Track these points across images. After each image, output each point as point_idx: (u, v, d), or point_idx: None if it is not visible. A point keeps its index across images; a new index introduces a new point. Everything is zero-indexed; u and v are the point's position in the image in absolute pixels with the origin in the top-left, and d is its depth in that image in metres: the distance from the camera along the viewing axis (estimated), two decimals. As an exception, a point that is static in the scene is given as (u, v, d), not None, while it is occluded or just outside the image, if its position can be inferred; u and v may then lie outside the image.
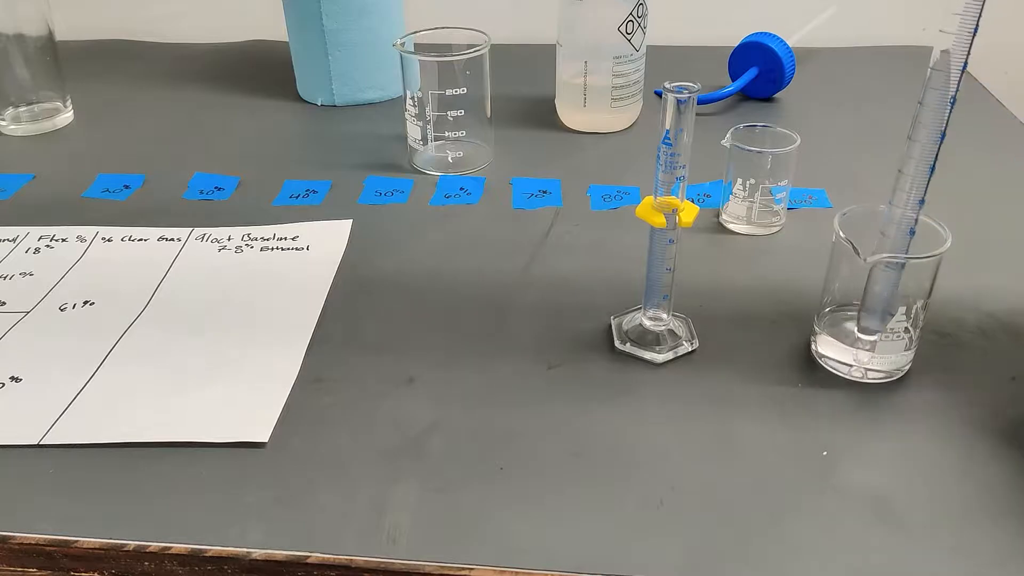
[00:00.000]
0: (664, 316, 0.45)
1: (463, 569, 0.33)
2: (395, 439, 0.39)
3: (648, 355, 0.44)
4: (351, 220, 0.57)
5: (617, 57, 0.66)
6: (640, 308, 0.46)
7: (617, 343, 0.44)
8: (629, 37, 0.66)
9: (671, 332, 0.45)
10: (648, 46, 0.68)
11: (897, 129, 0.73)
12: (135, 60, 0.91)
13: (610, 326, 0.46)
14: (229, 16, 0.97)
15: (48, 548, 0.35)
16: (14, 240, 0.56)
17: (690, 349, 0.44)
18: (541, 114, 0.73)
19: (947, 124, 0.36)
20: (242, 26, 0.95)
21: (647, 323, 0.45)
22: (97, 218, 0.59)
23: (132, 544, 0.34)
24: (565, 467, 0.37)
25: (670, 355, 0.44)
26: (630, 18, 0.65)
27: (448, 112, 0.62)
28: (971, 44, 0.34)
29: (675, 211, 0.41)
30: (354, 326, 0.47)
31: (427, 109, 0.61)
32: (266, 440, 0.39)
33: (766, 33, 0.75)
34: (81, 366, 0.44)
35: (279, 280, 0.51)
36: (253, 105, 0.79)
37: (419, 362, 0.44)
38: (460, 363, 0.44)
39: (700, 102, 0.74)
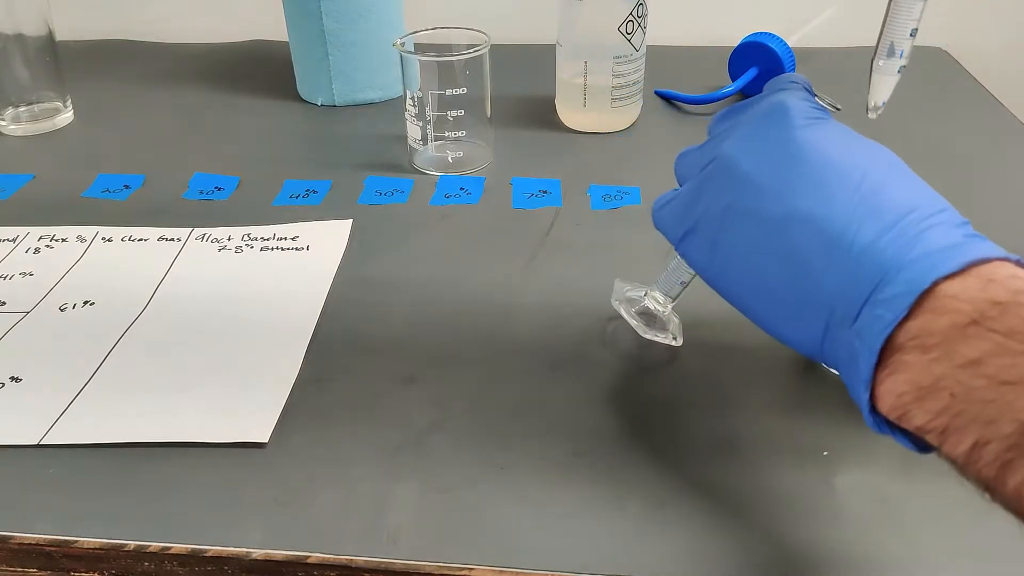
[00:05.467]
0: (664, 301, 0.44)
1: (463, 569, 0.33)
2: (395, 439, 0.39)
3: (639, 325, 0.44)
4: (351, 220, 0.57)
5: (617, 57, 0.66)
6: (644, 289, 0.45)
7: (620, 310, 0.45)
8: (629, 37, 0.66)
9: (666, 319, 0.45)
10: (648, 46, 0.68)
11: (897, 128, 0.73)
12: (135, 60, 0.91)
13: (610, 325, 0.46)
14: (229, 16, 0.97)
15: (48, 548, 0.35)
16: (14, 240, 0.56)
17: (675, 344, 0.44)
18: (541, 114, 0.73)
19: None
20: (242, 26, 0.95)
21: (651, 305, 0.45)
22: (97, 218, 0.59)
23: (132, 544, 0.34)
24: (565, 467, 0.37)
25: (651, 336, 0.44)
26: (630, 18, 0.65)
27: (448, 112, 0.62)
28: None
29: None
30: (354, 326, 0.47)
31: (427, 109, 0.61)
32: (266, 440, 0.39)
33: (766, 33, 0.75)
34: (81, 366, 0.44)
35: (279, 280, 0.51)
36: (253, 105, 0.79)
37: (419, 362, 0.44)
38: (460, 363, 0.44)
39: (700, 102, 0.74)
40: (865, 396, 0.28)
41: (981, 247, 0.28)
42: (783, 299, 0.31)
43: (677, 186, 0.38)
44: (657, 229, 0.39)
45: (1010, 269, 0.27)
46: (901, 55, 0.38)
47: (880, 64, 0.38)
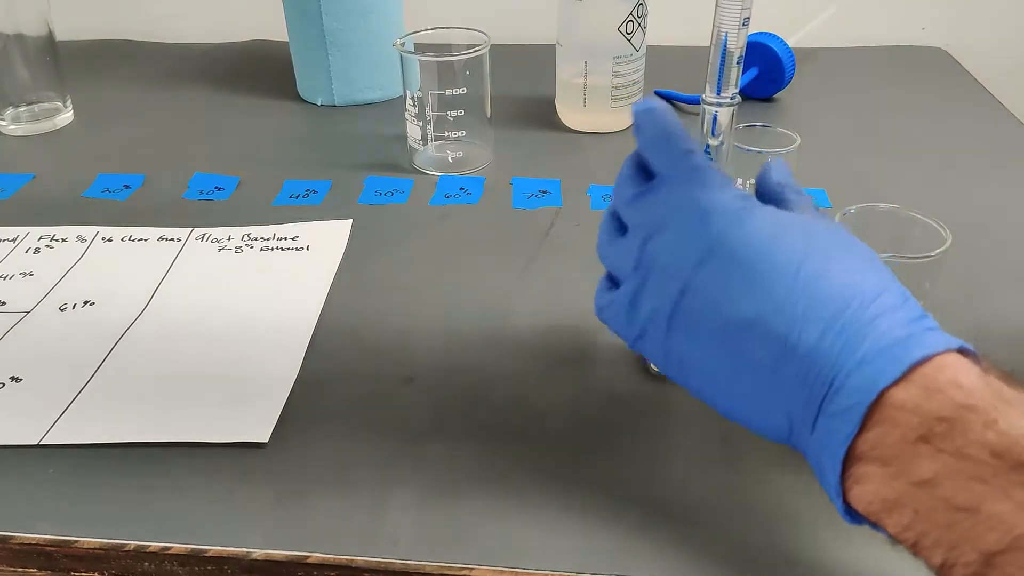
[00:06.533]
0: None
1: (463, 569, 0.33)
2: (395, 439, 0.39)
3: None
4: (351, 220, 0.57)
5: (617, 57, 0.66)
6: None
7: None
8: (629, 37, 0.66)
9: None
10: (648, 46, 0.68)
11: (897, 128, 0.73)
12: (135, 60, 0.91)
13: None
14: (229, 16, 0.97)
15: (48, 548, 0.35)
16: (14, 240, 0.56)
17: None
18: (541, 114, 0.73)
19: None
20: (242, 26, 0.95)
21: None
22: (97, 218, 0.59)
23: (132, 544, 0.35)
24: (565, 468, 0.37)
25: None
26: (630, 18, 0.65)
27: (448, 112, 0.62)
28: None
29: None
30: (354, 326, 0.47)
31: (427, 109, 0.61)
32: (266, 440, 0.39)
33: (766, 33, 0.75)
34: (81, 366, 0.44)
35: (279, 280, 0.51)
36: (253, 105, 0.79)
37: (419, 362, 0.44)
38: (460, 363, 0.44)
39: (700, 102, 0.74)
40: (838, 502, 0.28)
41: (923, 340, 0.27)
42: (743, 402, 0.31)
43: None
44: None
45: (950, 371, 0.27)
46: (722, 87, 0.40)
47: (709, 99, 0.39)
